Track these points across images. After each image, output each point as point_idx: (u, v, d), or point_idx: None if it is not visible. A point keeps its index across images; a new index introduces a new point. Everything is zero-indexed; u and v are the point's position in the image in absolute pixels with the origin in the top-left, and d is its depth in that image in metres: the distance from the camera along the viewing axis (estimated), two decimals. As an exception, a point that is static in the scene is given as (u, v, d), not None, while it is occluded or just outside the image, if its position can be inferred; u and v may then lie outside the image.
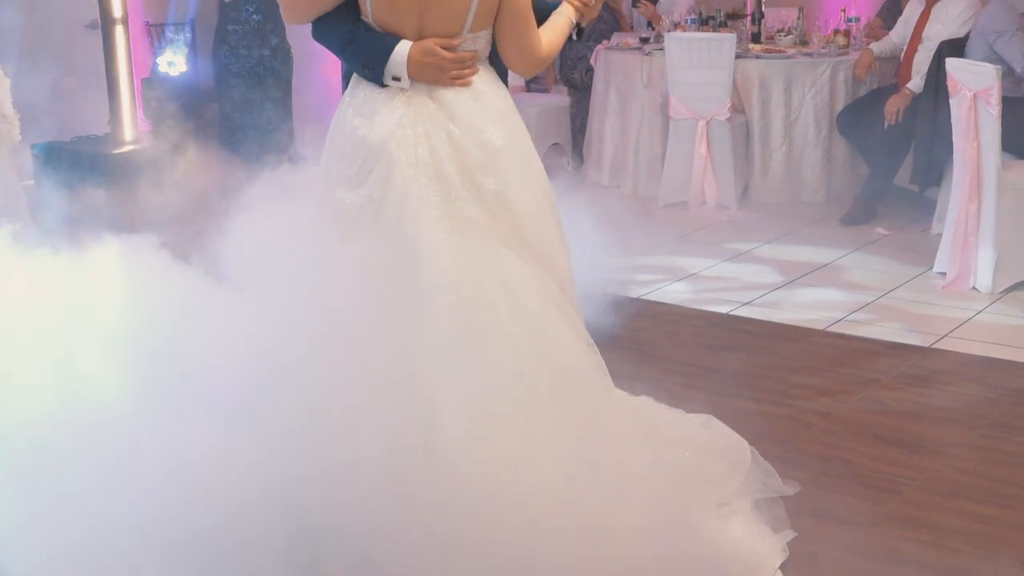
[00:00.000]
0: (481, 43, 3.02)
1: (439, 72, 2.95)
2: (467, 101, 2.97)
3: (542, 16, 3.11)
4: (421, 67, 2.94)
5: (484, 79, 3.03)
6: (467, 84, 2.98)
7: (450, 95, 2.97)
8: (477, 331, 2.80)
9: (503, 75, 3.17)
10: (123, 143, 7.17)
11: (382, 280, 2.80)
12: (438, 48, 2.94)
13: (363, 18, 3.01)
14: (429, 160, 2.91)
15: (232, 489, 2.61)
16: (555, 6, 3.18)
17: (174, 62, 7.54)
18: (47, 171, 6.75)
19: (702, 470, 3.15)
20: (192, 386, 2.79)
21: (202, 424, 2.72)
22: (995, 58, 5.54)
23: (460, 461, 2.67)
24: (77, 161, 6.87)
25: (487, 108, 2.99)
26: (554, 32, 3.11)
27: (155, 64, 7.61)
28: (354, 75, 3.08)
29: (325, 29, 3.06)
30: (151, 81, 7.58)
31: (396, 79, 2.96)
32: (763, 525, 3.03)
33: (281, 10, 3.09)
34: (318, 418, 2.69)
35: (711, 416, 3.48)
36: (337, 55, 3.10)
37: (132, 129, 7.23)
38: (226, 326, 2.87)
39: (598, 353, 3.13)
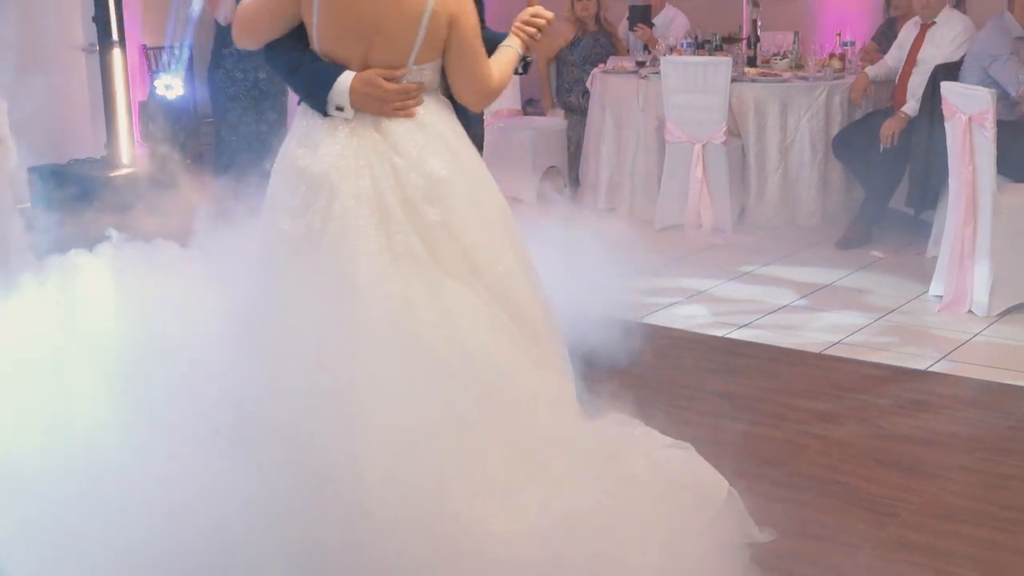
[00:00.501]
0: (428, 75, 3.01)
1: (380, 103, 2.95)
2: (411, 132, 2.96)
3: (488, 50, 3.10)
4: (363, 98, 2.93)
5: (431, 109, 3.01)
6: (410, 115, 2.97)
7: (394, 126, 2.96)
8: (412, 364, 2.75)
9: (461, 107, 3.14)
10: (120, 166, 7.19)
11: (319, 311, 2.76)
12: (380, 79, 2.93)
13: (311, 47, 3.01)
14: (371, 192, 2.90)
15: (212, 506, 2.60)
16: (502, 38, 3.18)
17: (171, 85, 7.57)
18: (43, 194, 6.76)
19: (663, 506, 2.96)
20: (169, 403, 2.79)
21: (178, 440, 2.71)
22: (990, 82, 5.56)
23: (390, 494, 2.60)
24: (74, 184, 6.88)
25: (431, 138, 2.97)
26: (502, 64, 3.11)
27: (152, 87, 7.63)
28: (302, 105, 3.08)
29: (275, 55, 3.07)
30: (148, 104, 7.60)
31: (340, 109, 2.96)
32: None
33: (232, 34, 3.10)
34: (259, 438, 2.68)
35: (692, 453, 3.32)
36: (285, 82, 3.11)
37: (129, 152, 7.26)
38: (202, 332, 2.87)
39: (571, 383, 3.10)
